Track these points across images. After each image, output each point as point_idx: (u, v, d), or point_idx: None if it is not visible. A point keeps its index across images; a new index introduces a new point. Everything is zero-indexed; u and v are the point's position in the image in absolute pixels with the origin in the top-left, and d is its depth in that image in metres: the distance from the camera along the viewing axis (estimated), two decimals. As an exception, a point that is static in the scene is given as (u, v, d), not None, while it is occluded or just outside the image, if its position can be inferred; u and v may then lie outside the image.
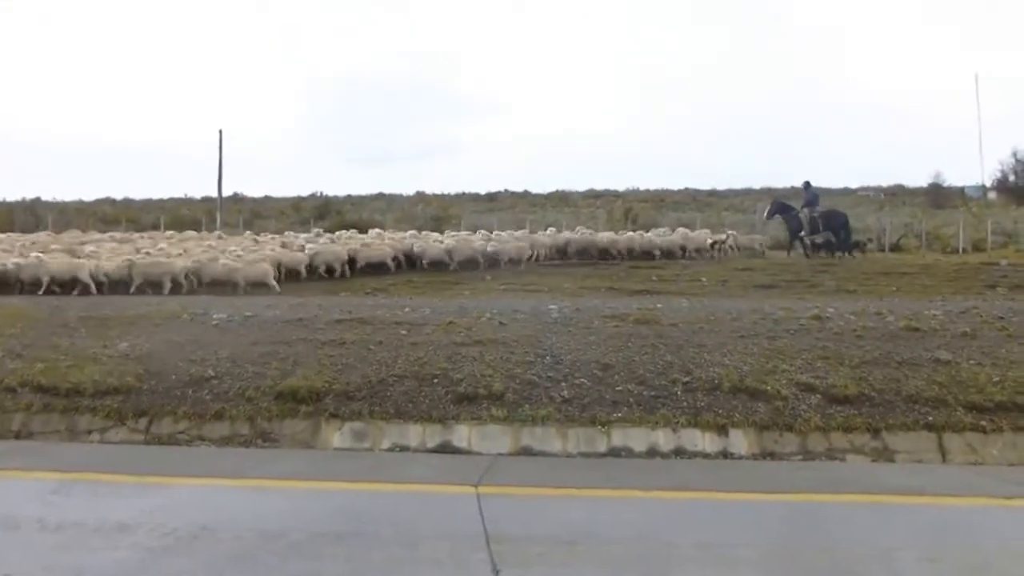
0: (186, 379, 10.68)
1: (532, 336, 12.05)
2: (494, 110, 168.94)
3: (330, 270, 26.34)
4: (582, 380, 10.41)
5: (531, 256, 30.11)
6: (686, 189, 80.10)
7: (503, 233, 34.74)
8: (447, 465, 8.87)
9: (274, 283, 21.76)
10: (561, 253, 32.54)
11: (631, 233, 35.92)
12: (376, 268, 27.53)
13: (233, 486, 8.07)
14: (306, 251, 26.33)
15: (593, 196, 77.50)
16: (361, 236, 33.76)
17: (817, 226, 34.10)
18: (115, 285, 21.48)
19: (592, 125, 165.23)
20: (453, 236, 33.29)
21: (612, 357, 11.06)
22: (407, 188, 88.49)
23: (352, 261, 27.15)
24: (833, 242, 33.83)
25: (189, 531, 6.52)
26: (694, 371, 10.56)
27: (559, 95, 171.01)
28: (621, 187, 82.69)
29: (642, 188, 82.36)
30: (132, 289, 20.98)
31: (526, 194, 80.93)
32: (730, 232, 36.93)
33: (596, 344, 11.67)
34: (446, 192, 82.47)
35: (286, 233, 36.32)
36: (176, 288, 21.20)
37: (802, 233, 34.47)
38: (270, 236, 33.72)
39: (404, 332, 12.38)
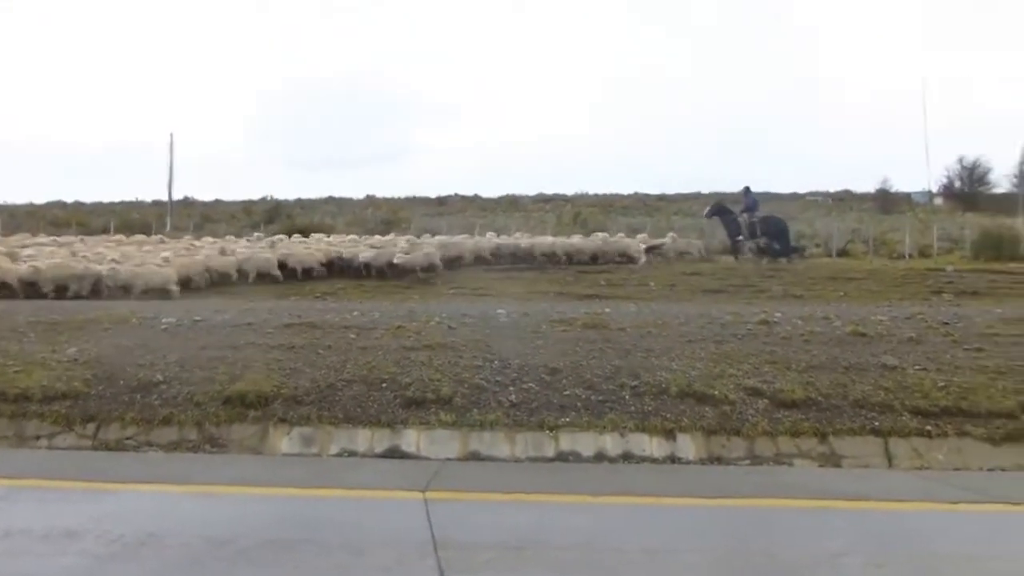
0: (134, 384, 10.56)
1: (480, 340, 12.07)
2: (445, 115, 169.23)
3: (265, 275, 25.94)
4: (530, 384, 10.43)
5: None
6: (635, 194, 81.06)
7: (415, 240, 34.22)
8: (395, 470, 8.84)
9: (174, 288, 21.38)
10: (480, 259, 31.92)
11: (551, 238, 35.79)
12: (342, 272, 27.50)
13: (181, 492, 7.97)
14: (236, 256, 25.86)
15: (543, 200, 78.22)
16: (307, 240, 33.55)
17: (755, 231, 34.38)
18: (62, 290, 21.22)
19: (543, 130, 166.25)
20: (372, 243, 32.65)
21: (560, 361, 11.08)
22: (358, 192, 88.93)
23: (283, 266, 26.75)
24: (775, 248, 34.16)
25: (136, 538, 6.42)
26: (642, 375, 10.62)
27: (510, 101, 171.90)
28: (571, 191, 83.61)
29: (592, 193, 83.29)
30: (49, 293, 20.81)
31: (476, 198, 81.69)
32: (670, 235, 37.33)
33: (544, 348, 11.71)
34: (396, 196, 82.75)
35: (227, 237, 36.00)
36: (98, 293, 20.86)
37: (740, 237, 34.85)
38: (211, 240, 33.37)
39: (353, 336, 12.36)
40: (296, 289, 22.79)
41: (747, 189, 36.31)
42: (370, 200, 79.49)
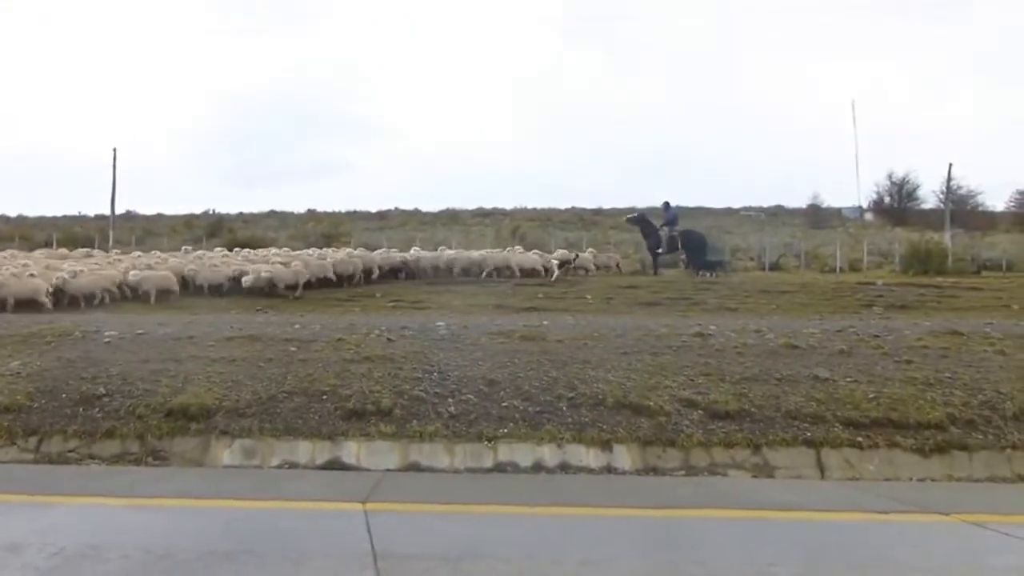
0: (77, 397, 10.45)
1: (420, 352, 12.06)
2: (385, 129, 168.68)
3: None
4: (469, 396, 10.46)
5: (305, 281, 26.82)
6: (573, 208, 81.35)
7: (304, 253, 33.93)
8: (336, 481, 8.85)
9: (45, 301, 20.76)
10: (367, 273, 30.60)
11: (451, 252, 35.21)
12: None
13: (123, 505, 7.92)
14: (131, 277, 23.86)
15: (482, 215, 78.41)
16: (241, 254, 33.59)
17: (675, 244, 35.26)
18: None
19: (482, 145, 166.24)
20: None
21: (498, 373, 11.12)
22: (299, 206, 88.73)
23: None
24: (699, 261, 34.62)
25: (78, 550, 6.38)
26: (579, 387, 10.67)
27: (450, 115, 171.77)
28: (510, 206, 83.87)
29: (530, 207, 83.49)
30: None
31: (416, 212, 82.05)
32: (587, 252, 37.57)
33: (483, 360, 11.72)
34: (337, 210, 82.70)
35: (154, 252, 35.43)
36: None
37: (660, 250, 35.40)
38: (136, 254, 33.00)
39: (294, 349, 12.29)
40: (236, 302, 22.54)
41: (667, 204, 37.12)
42: (311, 214, 79.46)
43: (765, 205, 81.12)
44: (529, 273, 32.03)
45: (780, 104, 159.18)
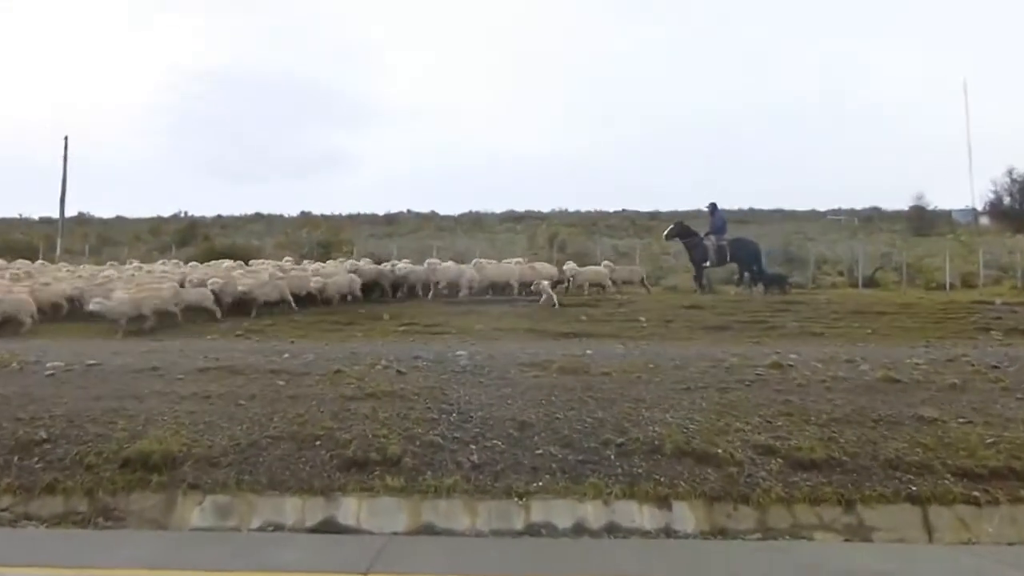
0: (12, 443, 10.37)
1: (436, 388, 12.01)
2: (398, 115, 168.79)
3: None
4: (495, 442, 10.34)
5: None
6: (623, 211, 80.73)
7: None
8: (331, 548, 8.68)
9: None
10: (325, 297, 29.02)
11: (444, 263, 33.46)
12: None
13: (66, 577, 7.78)
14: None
15: (513, 219, 77.59)
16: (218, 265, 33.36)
17: (724, 255, 34.78)
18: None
19: (515, 138, 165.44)
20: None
21: (532, 414, 11.02)
22: (291, 208, 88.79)
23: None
24: (754, 276, 34.24)
25: (7, 634, 6.28)
26: (630, 430, 10.54)
27: (476, 102, 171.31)
28: (547, 208, 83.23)
29: (572, 210, 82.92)
30: None
31: (433, 216, 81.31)
32: (603, 264, 35.86)
33: (513, 398, 11.66)
34: (337, 213, 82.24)
35: (108, 264, 35.66)
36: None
37: (706, 263, 35.00)
38: (74, 267, 33.34)
39: (282, 383, 12.29)
40: (214, 327, 22.45)
41: (713, 206, 36.69)
42: (305, 218, 78.83)
43: (858, 207, 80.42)
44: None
45: (878, 90, 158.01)
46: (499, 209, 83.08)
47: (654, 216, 76.11)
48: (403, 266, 32.76)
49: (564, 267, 33.51)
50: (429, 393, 11.79)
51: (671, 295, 33.19)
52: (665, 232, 38.37)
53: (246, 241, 54.83)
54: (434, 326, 22.25)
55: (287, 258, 37.00)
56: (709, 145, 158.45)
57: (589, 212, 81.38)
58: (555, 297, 27.93)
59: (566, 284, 32.39)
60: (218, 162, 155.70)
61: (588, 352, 14.50)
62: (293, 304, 26.75)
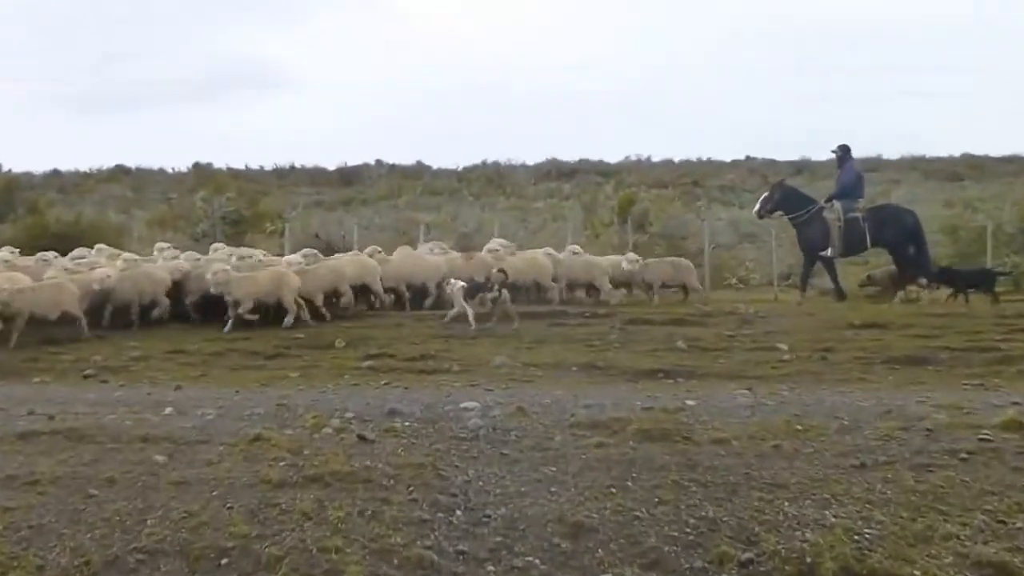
0: None
1: (426, 467, 10.23)
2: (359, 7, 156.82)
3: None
4: (531, 560, 8.53)
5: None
6: (747, 159, 74.28)
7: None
8: None
9: None
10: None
11: (439, 253, 29.32)
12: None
13: None
14: None
15: (556, 176, 70.87)
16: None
17: (860, 236, 29.39)
18: None
19: (558, 44, 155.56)
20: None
21: (593, 511, 9.20)
22: (182, 158, 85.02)
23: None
24: (918, 267, 29.81)
25: None
26: (762, 539, 8.76)
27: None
28: (613, 157, 76.13)
29: (657, 159, 75.71)
30: None
31: (420, 170, 75.05)
32: (626, 257, 30.08)
33: (560, 484, 9.83)
34: (253, 166, 76.26)
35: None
36: None
37: (827, 252, 29.87)
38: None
39: (161, 459, 10.48)
40: (50, 358, 19.84)
41: (844, 150, 30.90)
42: (201, 172, 71.34)
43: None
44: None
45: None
46: (533, 159, 75.66)
47: (801, 167, 67.77)
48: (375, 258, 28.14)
49: (627, 257, 28.86)
50: (415, 475, 9.98)
51: (830, 306, 29.04)
52: (756, 206, 32.42)
53: (100, 214, 49.96)
54: (421, 359, 19.56)
55: (162, 245, 30.89)
56: (882, 62, 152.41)
57: (686, 161, 74.10)
58: (618, 296, 25.07)
59: (494, 293, 24.98)
60: (53, 80, 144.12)
61: (689, 404, 12.83)
62: (193, 314, 24.61)
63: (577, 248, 30.38)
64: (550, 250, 29.48)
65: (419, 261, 28.46)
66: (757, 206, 31.72)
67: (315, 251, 29.28)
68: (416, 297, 27.39)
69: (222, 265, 24.03)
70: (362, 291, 26.91)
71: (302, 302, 23.84)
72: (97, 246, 29.63)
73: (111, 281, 23.03)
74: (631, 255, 29.09)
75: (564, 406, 12.60)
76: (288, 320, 23.36)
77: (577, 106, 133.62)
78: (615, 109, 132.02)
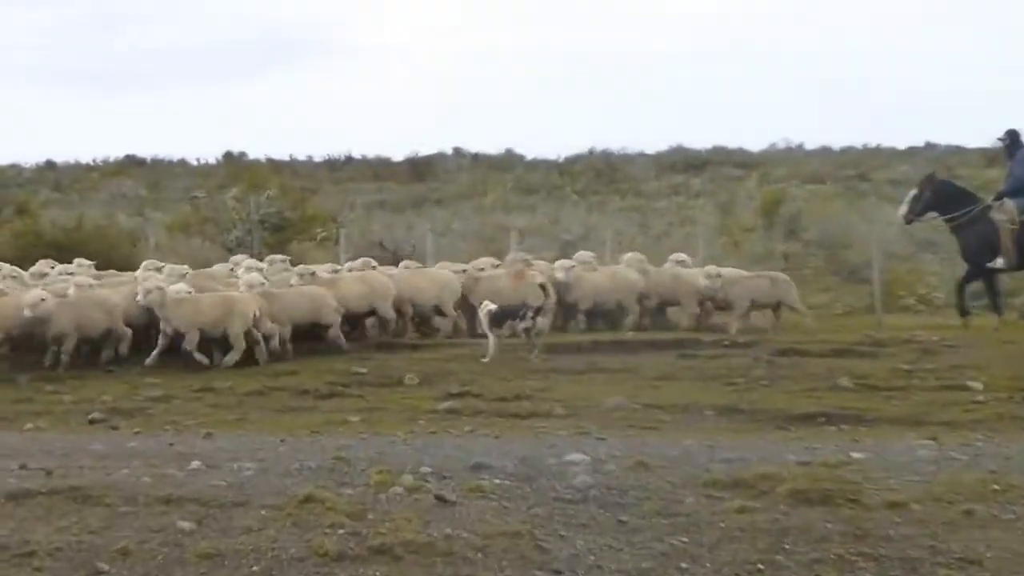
0: None
1: (523, 535, 9.29)
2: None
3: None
4: None
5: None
6: (926, 146, 68.87)
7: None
8: None
9: None
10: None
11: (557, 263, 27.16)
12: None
13: None
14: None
15: (684, 166, 66.64)
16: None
17: None
18: None
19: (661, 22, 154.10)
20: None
21: None
22: (206, 149, 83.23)
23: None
24: None
25: None
26: None
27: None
28: (756, 145, 72.14)
29: (812, 146, 71.33)
30: None
31: (509, 159, 71.43)
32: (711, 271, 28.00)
33: (692, 558, 8.87)
34: (298, 157, 72.65)
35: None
36: None
37: (997, 262, 26.86)
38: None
39: (188, 525, 9.60)
40: (48, 399, 18.82)
41: (1013, 138, 27.72)
42: (233, 164, 68.66)
43: None
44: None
45: None
46: (654, 147, 71.70)
47: (995, 158, 63.13)
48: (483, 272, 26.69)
49: (705, 270, 26.60)
50: (508, 547, 9.01)
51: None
52: (903, 207, 29.03)
53: (107, 215, 48.27)
54: (515, 400, 18.40)
55: (238, 258, 29.00)
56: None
57: (850, 151, 69.62)
58: (491, 347, 22.26)
59: (526, 324, 23.16)
60: (43, 48, 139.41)
61: (856, 457, 11.92)
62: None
63: (682, 256, 28.39)
64: (641, 257, 27.58)
65: (430, 276, 26.64)
66: (904, 207, 28.46)
67: (372, 261, 27.66)
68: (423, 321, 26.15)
69: (156, 282, 21.90)
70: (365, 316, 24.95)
71: (258, 336, 21.55)
72: (76, 260, 26.97)
73: (47, 306, 20.74)
74: (711, 268, 26.91)
75: (697, 460, 11.85)
76: (228, 359, 21.12)
77: (708, 80, 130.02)
78: (755, 84, 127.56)
